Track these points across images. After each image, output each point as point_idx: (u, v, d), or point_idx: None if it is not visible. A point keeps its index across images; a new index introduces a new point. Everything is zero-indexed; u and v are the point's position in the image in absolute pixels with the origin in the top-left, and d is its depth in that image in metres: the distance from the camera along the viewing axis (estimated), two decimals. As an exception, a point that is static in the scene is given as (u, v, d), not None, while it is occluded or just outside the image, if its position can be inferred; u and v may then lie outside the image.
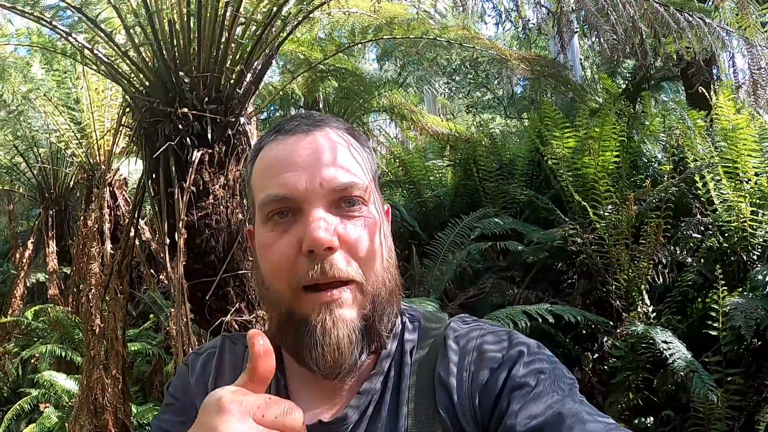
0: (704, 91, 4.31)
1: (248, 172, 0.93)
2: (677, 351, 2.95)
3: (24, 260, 7.77)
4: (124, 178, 6.61)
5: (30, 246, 7.92)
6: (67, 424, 4.18)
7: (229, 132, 3.56)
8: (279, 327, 0.85)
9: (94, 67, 3.89)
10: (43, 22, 3.67)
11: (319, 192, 0.80)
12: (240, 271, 3.46)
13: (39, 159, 7.84)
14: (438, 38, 4.57)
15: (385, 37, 4.48)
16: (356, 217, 0.83)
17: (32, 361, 6.38)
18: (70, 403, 4.82)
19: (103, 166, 5.54)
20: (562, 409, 0.73)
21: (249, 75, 3.69)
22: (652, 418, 3.34)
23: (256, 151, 0.91)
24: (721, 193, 3.77)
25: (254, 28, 3.64)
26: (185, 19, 3.42)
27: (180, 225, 3.27)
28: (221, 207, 3.46)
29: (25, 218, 10.88)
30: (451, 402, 0.80)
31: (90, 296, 3.56)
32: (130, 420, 3.64)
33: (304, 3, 3.66)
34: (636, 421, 3.31)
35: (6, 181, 8.95)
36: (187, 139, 3.41)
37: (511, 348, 0.82)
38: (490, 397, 0.78)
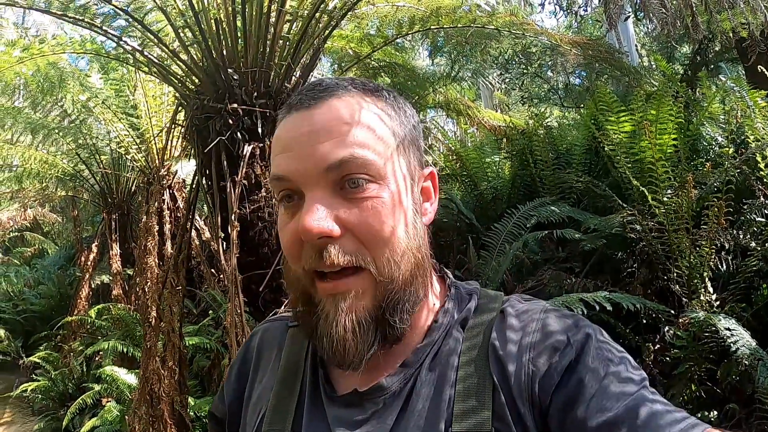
0: (763, 69, 4.11)
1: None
2: (741, 338, 2.80)
3: (89, 263, 8.08)
4: (183, 180, 6.75)
5: (94, 249, 8.23)
6: (126, 417, 4.29)
7: (279, 125, 3.59)
8: (298, 305, 0.82)
9: (146, 69, 4.00)
10: (95, 29, 3.80)
11: (312, 174, 0.74)
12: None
13: (101, 165, 8.14)
14: (486, 26, 4.51)
15: (432, 27, 4.45)
16: (361, 198, 0.75)
17: (96, 358, 6.61)
18: (131, 397, 4.94)
19: (160, 168, 5.68)
20: (635, 402, 0.69)
21: (297, 69, 3.73)
22: (716, 412, 3.19)
23: (275, 129, 0.87)
24: (785, 174, 3.59)
25: (300, 23, 3.67)
26: (231, 18, 3.48)
27: (233, 218, 3.32)
28: (273, 200, 3.50)
29: (89, 224, 11.29)
30: (505, 377, 0.76)
31: (146, 289, 3.65)
32: (187, 411, 3.71)
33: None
34: (699, 415, 3.15)
35: (70, 188, 9.34)
36: (238, 133, 3.47)
37: (577, 331, 0.77)
38: (552, 382, 0.74)
